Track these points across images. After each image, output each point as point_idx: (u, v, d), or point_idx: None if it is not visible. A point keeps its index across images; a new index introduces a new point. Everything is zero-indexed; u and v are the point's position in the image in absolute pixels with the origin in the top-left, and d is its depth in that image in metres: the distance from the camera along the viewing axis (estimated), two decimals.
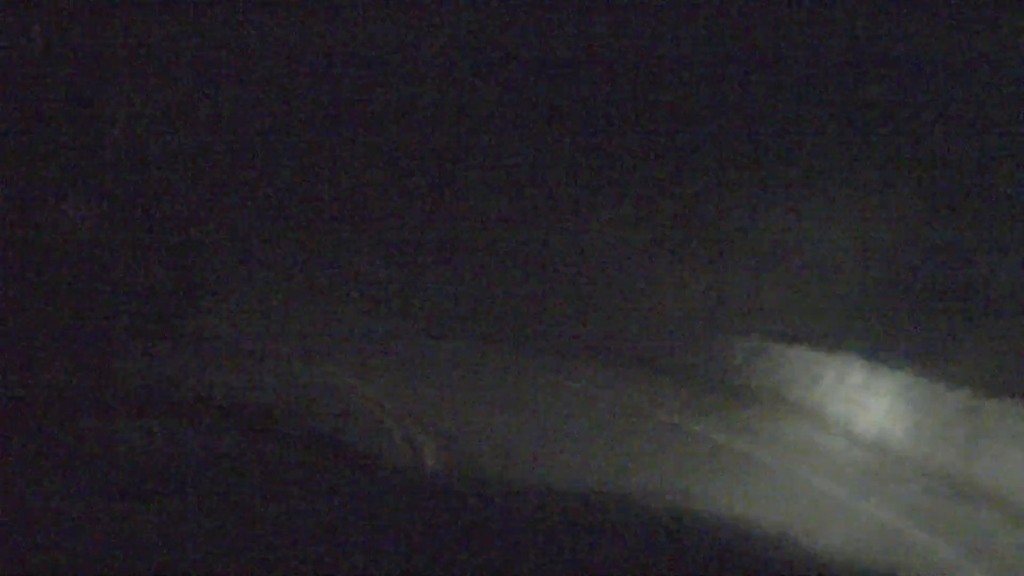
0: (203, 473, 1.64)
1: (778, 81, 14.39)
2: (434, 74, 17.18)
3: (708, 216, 14.64)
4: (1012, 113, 12.28)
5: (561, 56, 15.83)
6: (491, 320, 14.89)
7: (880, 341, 10.53)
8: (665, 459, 8.56)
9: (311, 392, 9.63)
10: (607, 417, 10.25)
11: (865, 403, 10.10)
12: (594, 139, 16.15)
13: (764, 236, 13.66)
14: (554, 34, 15.79)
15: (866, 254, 12.53)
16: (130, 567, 1.24)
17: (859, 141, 13.67)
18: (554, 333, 14.04)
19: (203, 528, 1.35)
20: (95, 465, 1.63)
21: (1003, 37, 12.32)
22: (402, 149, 18.01)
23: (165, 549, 1.28)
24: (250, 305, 14.97)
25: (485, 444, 8.48)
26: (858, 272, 12.35)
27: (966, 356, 9.72)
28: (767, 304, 12.86)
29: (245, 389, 8.41)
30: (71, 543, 1.28)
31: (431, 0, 16.61)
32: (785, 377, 11.34)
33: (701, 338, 12.88)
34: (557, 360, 13.07)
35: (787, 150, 14.12)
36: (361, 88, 17.78)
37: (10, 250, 7.14)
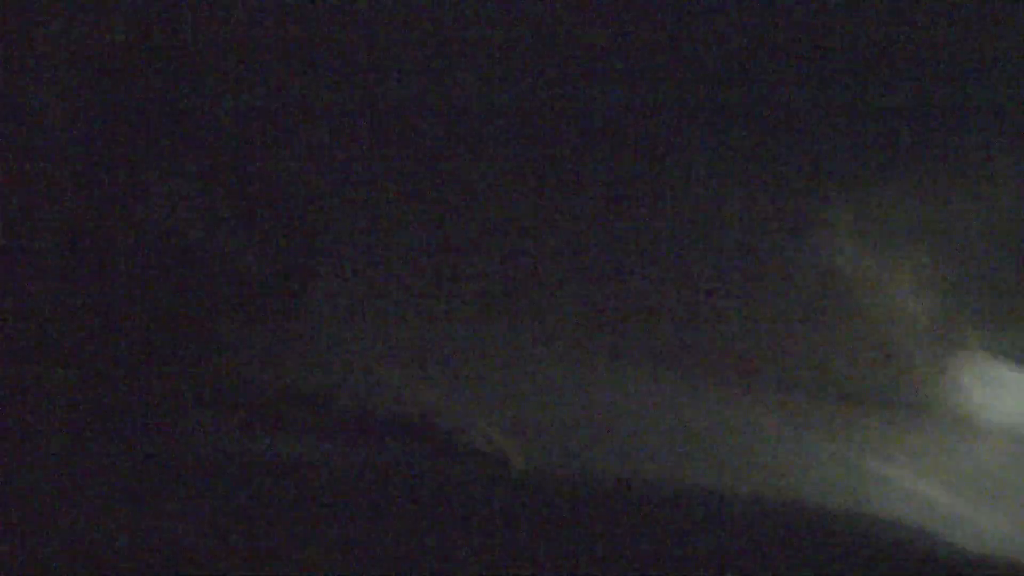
0: (296, 475, 1.64)
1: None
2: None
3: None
4: None
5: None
6: (647, 339, 13.64)
7: None
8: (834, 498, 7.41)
9: (402, 396, 9.28)
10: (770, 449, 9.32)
11: None
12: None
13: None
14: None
15: None
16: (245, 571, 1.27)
17: None
18: (718, 353, 12.71)
19: (310, 533, 1.36)
20: (201, 468, 1.65)
21: None
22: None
23: (272, 557, 1.30)
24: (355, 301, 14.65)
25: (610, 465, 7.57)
26: None
27: None
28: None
29: (327, 388, 8.17)
30: (181, 549, 1.29)
31: None
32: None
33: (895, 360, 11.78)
34: (722, 386, 11.94)
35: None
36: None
37: (106, 239, 7.14)
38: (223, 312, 7.82)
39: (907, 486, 8.39)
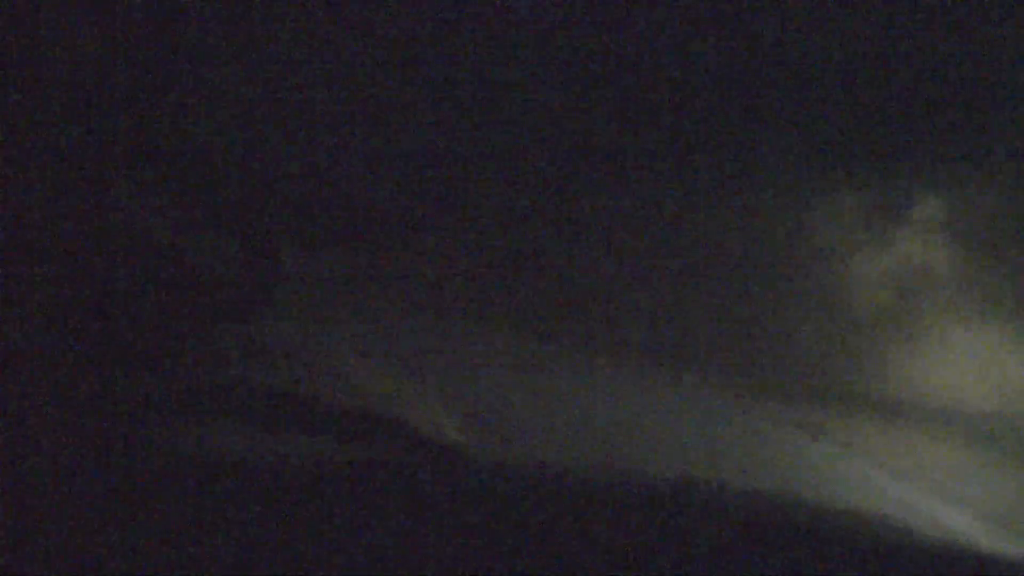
0: (243, 471, 1.66)
1: None
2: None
3: None
4: None
5: None
6: (606, 330, 13.17)
7: None
8: None
9: (353, 385, 9.11)
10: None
11: None
12: None
13: None
14: None
15: None
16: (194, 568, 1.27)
17: None
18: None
19: (256, 526, 1.38)
20: (158, 467, 1.66)
21: None
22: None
23: (227, 550, 1.32)
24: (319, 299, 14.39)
25: None
26: None
27: None
28: None
29: (281, 383, 8.12)
30: (135, 547, 1.30)
31: None
32: None
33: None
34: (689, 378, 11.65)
35: None
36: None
37: (68, 246, 7.08)
38: (190, 314, 7.79)
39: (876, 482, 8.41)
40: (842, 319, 12.16)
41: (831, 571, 1.46)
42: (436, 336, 13.15)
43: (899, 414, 10.63)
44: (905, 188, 13.20)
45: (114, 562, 1.30)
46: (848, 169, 13.63)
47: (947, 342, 11.36)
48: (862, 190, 13.40)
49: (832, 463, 8.84)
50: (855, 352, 11.60)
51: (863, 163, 13.57)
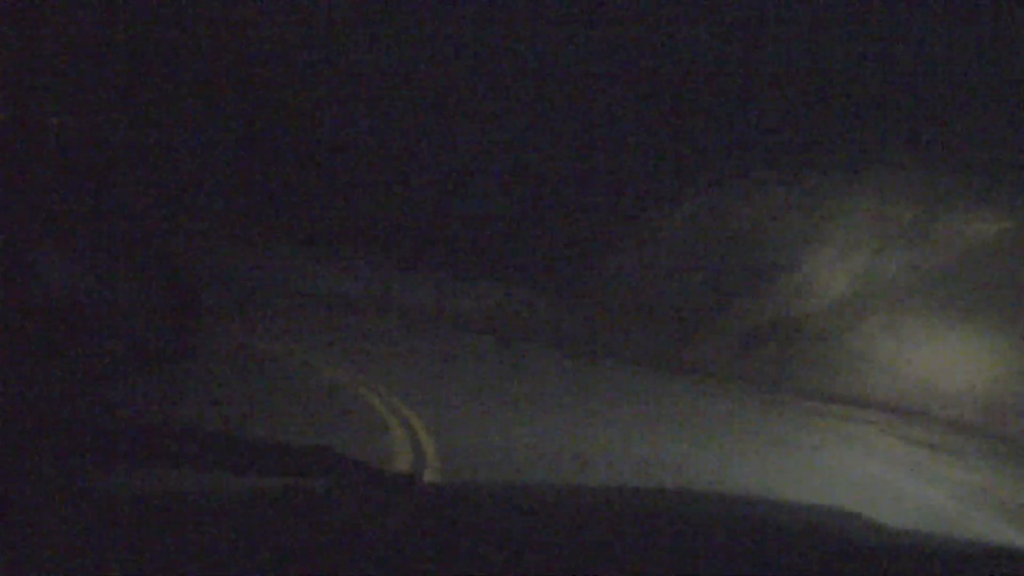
0: (200, 511, 1.63)
1: None
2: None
3: None
4: None
5: None
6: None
7: None
8: None
9: (316, 409, 8.66)
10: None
11: None
12: None
13: None
14: None
15: None
16: None
17: None
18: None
19: (202, 567, 1.32)
20: (90, 512, 1.61)
21: None
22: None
23: None
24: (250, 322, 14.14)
25: None
26: None
27: None
28: None
29: (239, 413, 7.89)
30: None
31: None
32: None
33: None
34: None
35: None
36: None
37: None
38: (114, 361, 7.62)
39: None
40: (825, 317, 12.25)
41: (819, 563, 1.43)
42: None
43: (884, 406, 10.74)
44: (888, 196, 13.32)
45: None
46: (829, 176, 13.69)
47: (931, 336, 11.47)
48: (841, 197, 13.50)
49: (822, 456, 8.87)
50: (844, 349, 11.67)
51: (844, 171, 13.64)
